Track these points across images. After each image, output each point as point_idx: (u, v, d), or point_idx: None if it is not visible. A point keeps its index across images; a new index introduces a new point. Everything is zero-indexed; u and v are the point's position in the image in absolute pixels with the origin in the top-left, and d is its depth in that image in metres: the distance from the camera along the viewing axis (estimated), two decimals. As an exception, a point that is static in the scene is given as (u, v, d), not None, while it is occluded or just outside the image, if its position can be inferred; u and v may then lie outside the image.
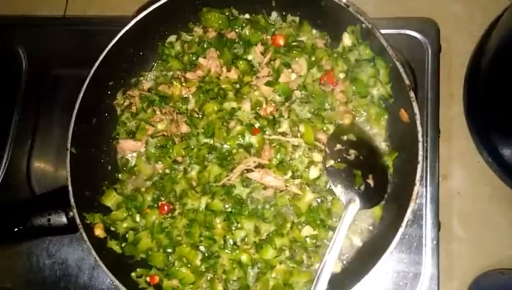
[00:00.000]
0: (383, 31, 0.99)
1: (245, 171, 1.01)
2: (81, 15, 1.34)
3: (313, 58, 1.07)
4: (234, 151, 1.02)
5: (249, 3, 1.12)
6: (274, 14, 1.13)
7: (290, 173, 1.00)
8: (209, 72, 1.09)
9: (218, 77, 1.08)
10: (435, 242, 1.02)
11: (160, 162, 1.06)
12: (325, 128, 1.03)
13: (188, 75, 1.10)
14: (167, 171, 1.05)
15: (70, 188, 0.98)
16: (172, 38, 1.15)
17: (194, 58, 1.11)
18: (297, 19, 1.12)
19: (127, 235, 1.03)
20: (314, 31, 1.11)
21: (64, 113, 1.18)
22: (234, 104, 1.04)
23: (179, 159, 1.05)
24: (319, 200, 1.01)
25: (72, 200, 0.98)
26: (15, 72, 1.28)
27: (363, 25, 0.99)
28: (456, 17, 1.18)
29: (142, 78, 1.15)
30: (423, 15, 1.16)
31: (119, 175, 1.10)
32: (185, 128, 1.06)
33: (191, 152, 1.04)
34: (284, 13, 1.12)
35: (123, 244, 1.02)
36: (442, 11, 1.18)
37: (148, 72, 1.15)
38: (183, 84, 1.09)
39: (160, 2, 1.05)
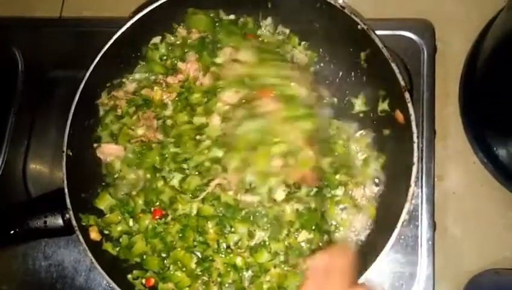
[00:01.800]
0: (378, 32, 0.99)
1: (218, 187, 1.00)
2: (77, 16, 1.34)
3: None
4: (207, 164, 1.00)
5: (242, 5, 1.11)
6: (269, 19, 1.12)
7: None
8: (189, 77, 1.07)
9: (196, 82, 1.06)
10: (430, 242, 1.03)
11: (140, 169, 1.04)
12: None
13: (169, 79, 1.08)
14: (148, 176, 1.03)
15: (66, 190, 0.98)
16: (157, 39, 1.12)
17: (176, 62, 1.09)
18: (287, 31, 1.12)
19: (120, 240, 1.02)
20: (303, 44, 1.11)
21: (60, 115, 1.17)
22: (203, 120, 1.02)
23: (158, 166, 1.03)
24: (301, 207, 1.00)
25: (68, 202, 0.98)
26: (11, 73, 1.28)
27: (359, 26, 0.99)
28: (452, 18, 1.18)
29: (125, 79, 1.11)
30: (419, 16, 1.16)
31: (107, 179, 1.07)
32: (161, 135, 1.04)
33: (166, 160, 1.02)
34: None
35: (117, 248, 1.02)
36: (438, 12, 1.18)
37: (131, 75, 1.12)
38: (164, 89, 1.07)
39: (159, 2, 1.05)
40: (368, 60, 1.03)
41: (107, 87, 1.10)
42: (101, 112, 1.09)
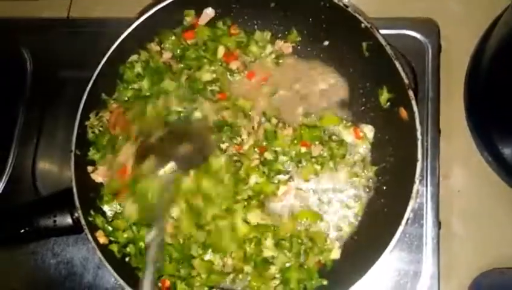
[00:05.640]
0: (383, 31, 1.00)
1: None
2: (84, 16, 1.35)
3: None
4: None
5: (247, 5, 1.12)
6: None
7: None
8: None
9: None
10: (435, 241, 1.03)
11: None
12: None
13: None
14: None
15: (74, 189, 0.99)
16: (134, 57, 1.11)
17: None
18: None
19: (128, 249, 1.02)
20: None
21: (68, 115, 1.17)
22: None
23: None
24: None
25: (77, 202, 0.99)
26: (20, 73, 1.29)
27: (362, 25, 1.00)
28: (457, 17, 1.18)
29: (109, 99, 1.10)
30: (423, 15, 1.17)
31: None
32: None
33: None
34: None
35: (127, 259, 1.02)
36: (443, 11, 1.18)
37: (113, 95, 1.11)
38: None
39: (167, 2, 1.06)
40: (371, 58, 1.04)
41: (94, 109, 1.08)
42: (90, 134, 1.07)
